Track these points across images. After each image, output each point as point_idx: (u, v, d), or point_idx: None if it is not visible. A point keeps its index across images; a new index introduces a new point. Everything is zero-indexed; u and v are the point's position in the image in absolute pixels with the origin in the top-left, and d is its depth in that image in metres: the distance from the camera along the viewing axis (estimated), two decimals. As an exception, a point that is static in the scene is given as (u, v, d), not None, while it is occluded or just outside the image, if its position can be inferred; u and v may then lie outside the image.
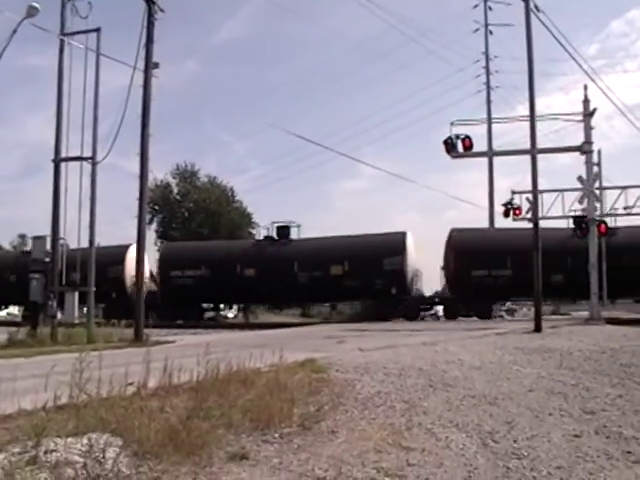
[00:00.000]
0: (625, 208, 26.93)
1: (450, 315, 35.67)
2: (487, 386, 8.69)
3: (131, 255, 37.32)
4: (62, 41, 21.21)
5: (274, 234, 38.07)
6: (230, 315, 47.37)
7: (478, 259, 34.17)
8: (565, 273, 31.51)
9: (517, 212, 25.61)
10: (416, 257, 37.50)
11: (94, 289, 20.72)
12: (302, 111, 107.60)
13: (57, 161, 21.14)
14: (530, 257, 20.21)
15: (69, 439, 5.33)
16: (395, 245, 35.59)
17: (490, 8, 49.63)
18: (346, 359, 10.92)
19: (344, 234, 38.87)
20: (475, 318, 33.84)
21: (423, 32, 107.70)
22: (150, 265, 37.58)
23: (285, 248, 36.99)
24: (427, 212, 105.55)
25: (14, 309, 46.32)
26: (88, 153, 20.98)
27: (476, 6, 49.97)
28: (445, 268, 36.32)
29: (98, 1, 21.24)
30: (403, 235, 36.37)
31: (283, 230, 37.94)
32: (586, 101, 25.54)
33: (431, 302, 38.44)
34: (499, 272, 33.65)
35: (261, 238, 39.33)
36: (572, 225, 26.56)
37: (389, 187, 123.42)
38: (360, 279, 34.78)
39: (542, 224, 22.08)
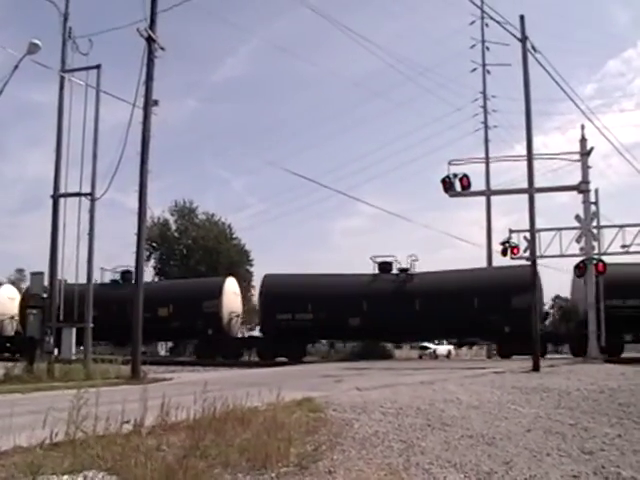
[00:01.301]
0: (623, 247, 27.03)
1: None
2: (485, 426, 8.65)
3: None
4: (62, 78, 21.45)
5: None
6: None
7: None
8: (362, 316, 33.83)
9: (515, 251, 25.69)
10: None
11: (92, 325, 20.64)
12: (301, 149, 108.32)
13: (56, 197, 21.23)
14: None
15: (65, 477, 5.32)
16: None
17: (488, 48, 50.27)
18: (344, 398, 10.88)
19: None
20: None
21: (421, 71, 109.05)
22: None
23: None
24: (425, 250, 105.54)
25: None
26: (87, 189, 21.08)
27: (474, 46, 50.63)
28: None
29: (99, 38, 21.55)
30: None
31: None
32: (583, 140, 25.82)
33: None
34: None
35: None
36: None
37: (387, 225, 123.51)
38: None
39: (539, 262, 22.16)
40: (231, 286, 39.14)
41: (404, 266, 36.33)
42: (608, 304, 29.92)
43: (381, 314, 33.80)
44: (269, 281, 37.71)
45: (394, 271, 36.51)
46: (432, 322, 33.59)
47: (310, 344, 39.12)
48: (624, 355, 31.19)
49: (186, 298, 37.30)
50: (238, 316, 39.00)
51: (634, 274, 32.14)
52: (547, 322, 36.45)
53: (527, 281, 32.27)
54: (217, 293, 37.36)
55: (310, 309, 35.58)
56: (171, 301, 36.93)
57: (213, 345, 35.85)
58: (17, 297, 42.00)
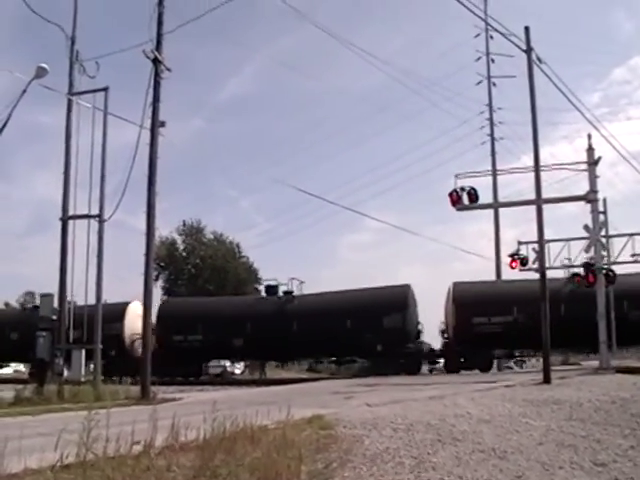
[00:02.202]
0: (632, 255, 26.92)
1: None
2: (496, 440, 8.60)
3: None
4: (70, 100, 21.67)
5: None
6: (237, 371, 46.99)
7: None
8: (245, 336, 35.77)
9: (513, 264, 25.81)
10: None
11: (101, 346, 20.68)
12: (307, 165, 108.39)
13: (65, 219, 21.38)
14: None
15: (76, 499, 5.32)
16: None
17: (493, 60, 50.28)
18: (354, 415, 10.84)
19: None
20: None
21: (427, 85, 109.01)
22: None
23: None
24: (432, 264, 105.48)
25: (20, 366, 46.19)
26: (95, 210, 21.20)
27: (479, 59, 50.68)
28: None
29: (105, 60, 21.81)
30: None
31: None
32: (590, 150, 25.76)
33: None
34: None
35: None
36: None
37: (394, 240, 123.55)
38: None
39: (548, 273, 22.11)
40: (135, 309, 37.83)
41: (289, 289, 38.04)
42: (476, 322, 33.21)
43: (262, 335, 35.33)
44: (164, 307, 39.66)
45: (280, 294, 37.99)
46: (310, 342, 35.04)
47: (204, 363, 40.55)
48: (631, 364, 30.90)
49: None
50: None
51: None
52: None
53: (398, 302, 34.96)
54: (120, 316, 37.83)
55: (200, 330, 37.23)
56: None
57: (116, 365, 34.05)
58: None
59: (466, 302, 34.58)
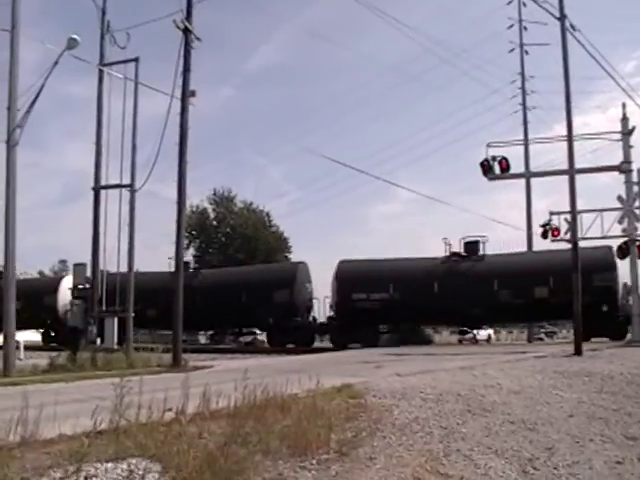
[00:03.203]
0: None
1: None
2: (526, 411, 8.58)
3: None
4: (101, 71, 21.71)
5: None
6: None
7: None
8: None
9: (555, 233, 25.33)
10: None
11: (133, 314, 20.93)
12: (337, 134, 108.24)
13: (97, 189, 21.54)
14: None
15: (109, 464, 5.42)
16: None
17: (525, 28, 49.20)
18: (383, 384, 10.87)
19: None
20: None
21: (457, 53, 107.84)
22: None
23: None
24: (463, 234, 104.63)
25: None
26: (127, 180, 21.34)
27: (511, 26, 49.63)
28: None
29: (136, 31, 21.75)
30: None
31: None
32: (624, 119, 25.30)
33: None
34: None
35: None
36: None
37: (424, 210, 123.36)
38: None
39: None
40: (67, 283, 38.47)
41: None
42: (355, 298, 34.99)
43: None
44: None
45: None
46: (212, 314, 36.70)
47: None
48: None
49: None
50: None
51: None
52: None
53: (286, 278, 36.79)
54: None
55: None
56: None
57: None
58: None
59: (347, 279, 36.08)
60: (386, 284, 35.18)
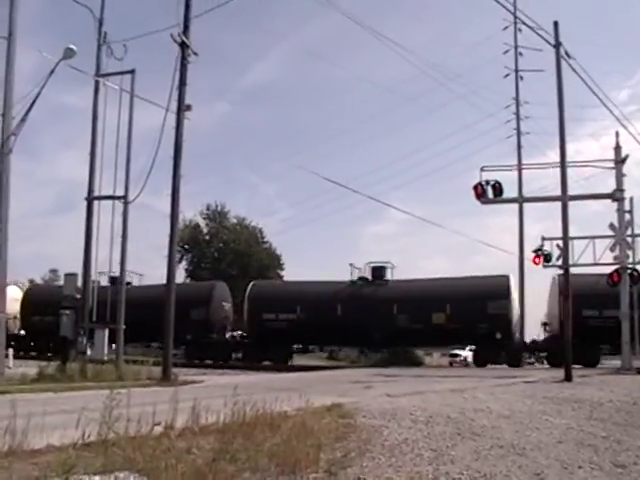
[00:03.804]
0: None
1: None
2: (516, 436, 8.57)
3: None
4: (97, 82, 21.77)
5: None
6: None
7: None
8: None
9: (537, 260, 25.59)
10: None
11: (124, 326, 20.87)
12: (331, 153, 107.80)
13: (90, 199, 21.53)
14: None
15: (97, 477, 5.38)
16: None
17: (521, 54, 49.59)
18: (373, 405, 10.85)
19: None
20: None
21: (453, 77, 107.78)
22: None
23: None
24: (454, 256, 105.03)
25: None
26: (120, 191, 21.34)
27: (507, 52, 50.03)
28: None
29: (133, 43, 21.86)
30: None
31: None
32: (618, 148, 25.47)
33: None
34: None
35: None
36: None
37: (417, 231, 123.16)
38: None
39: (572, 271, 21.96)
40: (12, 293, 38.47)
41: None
42: (265, 317, 36.74)
43: None
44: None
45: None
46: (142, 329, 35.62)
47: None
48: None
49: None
50: None
51: None
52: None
53: (205, 297, 37.84)
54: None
55: None
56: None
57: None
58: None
59: (257, 300, 37.77)
60: (293, 305, 36.89)
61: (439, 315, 34.49)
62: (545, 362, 35.43)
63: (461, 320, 33.83)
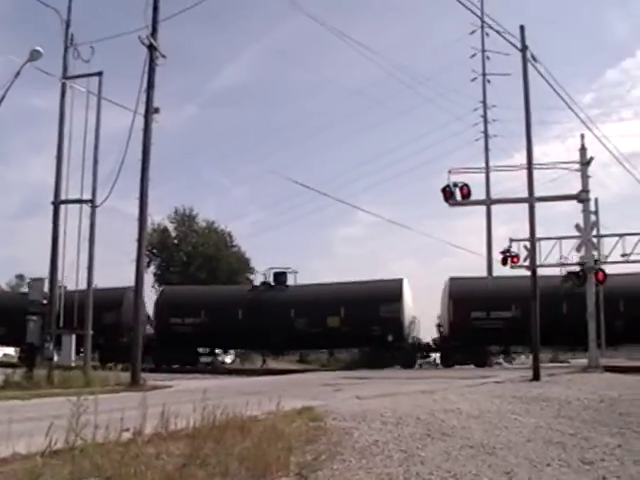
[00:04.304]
0: (622, 255, 26.99)
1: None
2: (485, 435, 8.63)
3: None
4: (64, 84, 21.50)
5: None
6: (227, 360, 47.06)
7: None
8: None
9: (515, 260, 25.66)
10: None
11: (91, 332, 20.63)
12: (301, 156, 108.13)
13: (57, 203, 21.25)
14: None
15: (64, 485, 5.30)
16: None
17: (488, 58, 50.43)
18: (343, 407, 10.85)
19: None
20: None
21: (421, 80, 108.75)
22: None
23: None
24: (423, 259, 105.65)
25: (9, 350, 46.16)
26: (88, 195, 21.09)
27: (474, 55, 50.78)
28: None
29: (100, 45, 21.60)
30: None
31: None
32: (583, 150, 25.81)
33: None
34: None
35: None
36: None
37: (386, 233, 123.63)
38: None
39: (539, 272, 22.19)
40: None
41: None
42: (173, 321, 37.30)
43: None
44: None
45: None
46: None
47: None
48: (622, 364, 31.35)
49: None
50: None
51: None
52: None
53: (116, 301, 37.87)
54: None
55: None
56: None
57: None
58: None
59: (165, 304, 38.93)
60: (198, 310, 37.94)
61: (334, 319, 35.58)
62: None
63: (354, 323, 35.05)
